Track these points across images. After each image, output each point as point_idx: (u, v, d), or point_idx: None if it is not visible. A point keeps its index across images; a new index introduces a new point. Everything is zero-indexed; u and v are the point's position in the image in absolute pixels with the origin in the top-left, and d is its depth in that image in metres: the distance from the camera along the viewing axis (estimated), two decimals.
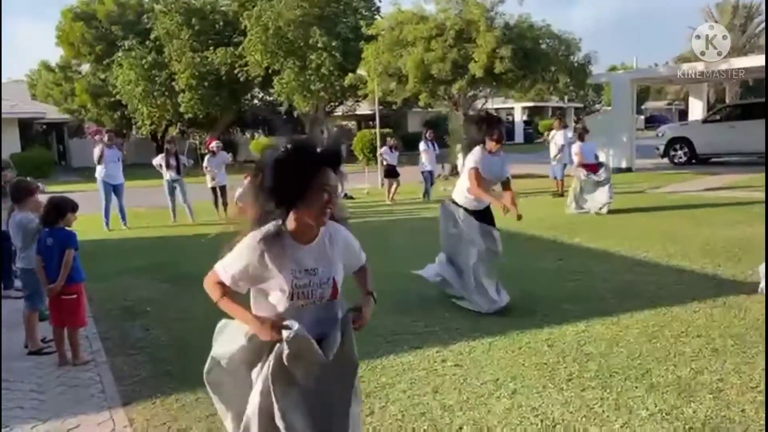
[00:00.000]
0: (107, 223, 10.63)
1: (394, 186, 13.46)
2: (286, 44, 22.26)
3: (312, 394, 2.22)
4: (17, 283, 5.85)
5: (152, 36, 26.04)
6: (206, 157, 12.21)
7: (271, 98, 28.43)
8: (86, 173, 16.24)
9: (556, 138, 13.33)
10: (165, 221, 11.29)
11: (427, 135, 14.00)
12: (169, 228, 10.79)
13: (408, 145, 23.07)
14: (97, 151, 10.64)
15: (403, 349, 4.29)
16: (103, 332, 5.04)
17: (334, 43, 21.73)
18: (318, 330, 2.25)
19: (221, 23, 26.56)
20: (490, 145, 5.11)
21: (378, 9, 25.44)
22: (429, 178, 13.58)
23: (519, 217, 5.09)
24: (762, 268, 5.17)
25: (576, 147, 10.93)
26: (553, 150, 13.42)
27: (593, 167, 10.64)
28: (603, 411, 3.33)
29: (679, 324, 4.61)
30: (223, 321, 2.58)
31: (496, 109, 40.62)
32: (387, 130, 23.21)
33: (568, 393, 3.56)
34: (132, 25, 28.33)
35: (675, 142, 18.85)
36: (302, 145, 2.15)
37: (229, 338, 2.51)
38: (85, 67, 31.20)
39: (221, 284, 2.37)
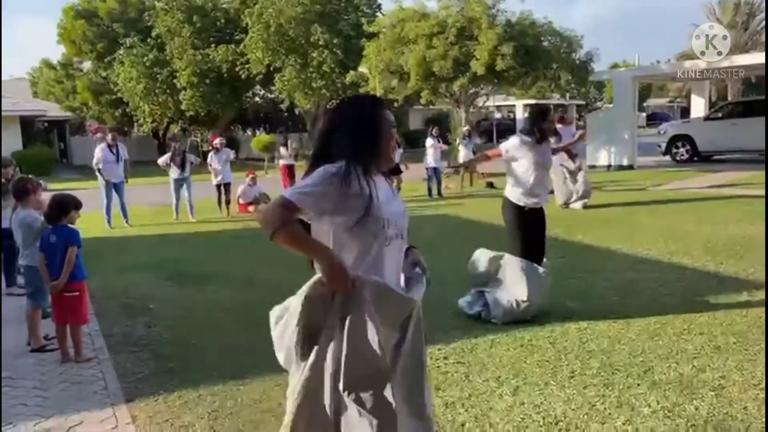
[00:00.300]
0: (109, 221, 10.65)
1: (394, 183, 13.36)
2: (287, 41, 22.25)
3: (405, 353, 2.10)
4: (20, 280, 5.87)
5: (153, 33, 26.04)
6: (210, 154, 12.24)
7: (273, 96, 28.42)
8: (87, 171, 16.26)
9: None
10: (167, 219, 11.30)
11: (433, 132, 13.99)
12: (171, 225, 10.80)
13: (410, 143, 23.06)
14: (98, 152, 10.66)
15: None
16: (105, 329, 5.05)
17: (335, 41, 21.71)
18: (397, 277, 2.20)
19: (222, 21, 26.58)
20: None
21: (379, 6, 25.44)
22: (434, 175, 13.47)
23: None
24: None
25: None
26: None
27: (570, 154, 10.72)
28: (605, 408, 3.33)
29: (681, 321, 4.61)
30: (280, 306, 2.19)
31: (497, 107, 40.68)
32: None
33: (570, 390, 3.56)
34: (133, 22, 28.33)
35: (677, 140, 18.82)
36: (363, 95, 2.24)
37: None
38: (87, 65, 31.21)
39: (286, 209, 1.99)
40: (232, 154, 12.40)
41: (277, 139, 14.53)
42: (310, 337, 2.07)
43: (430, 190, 13.54)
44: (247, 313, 5.30)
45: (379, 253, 2.10)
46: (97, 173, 10.70)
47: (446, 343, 4.35)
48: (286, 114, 31.20)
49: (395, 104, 25.01)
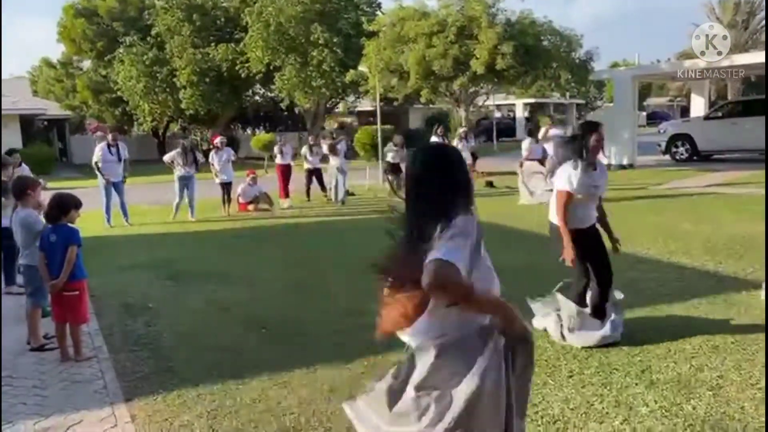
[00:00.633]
0: (108, 220, 10.65)
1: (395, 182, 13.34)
2: (287, 40, 22.25)
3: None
4: (19, 279, 5.87)
5: (153, 32, 26.04)
6: (211, 153, 12.23)
7: (272, 94, 28.44)
8: (87, 169, 16.25)
9: (550, 134, 13.39)
10: (166, 218, 11.30)
11: (439, 131, 13.96)
12: (171, 224, 10.79)
13: (409, 142, 23.05)
14: (97, 151, 10.65)
15: (403, 346, 4.29)
16: (105, 328, 5.06)
17: (335, 40, 21.72)
18: None
19: (222, 19, 26.58)
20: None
21: (379, 5, 25.47)
22: None
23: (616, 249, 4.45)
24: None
25: (527, 143, 12.06)
26: (549, 149, 13.47)
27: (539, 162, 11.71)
28: (603, 408, 3.34)
29: (679, 321, 4.62)
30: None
31: (497, 106, 40.66)
32: (388, 126, 23.20)
33: (569, 390, 3.57)
34: (133, 21, 28.34)
35: (676, 139, 18.81)
36: (441, 144, 2.22)
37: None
38: (87, 64, 31.23)
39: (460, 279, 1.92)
40: (233, 155, 12.35)
41: (277, 139, 14.39)
42: None
43: None
44: (247, 313, 5.31)
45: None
46: (97, 172, 10.70)
47: None
48: (285, 113, 31.20)
49: (395, 103, 25.09)
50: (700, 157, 18.28)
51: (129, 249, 8.70)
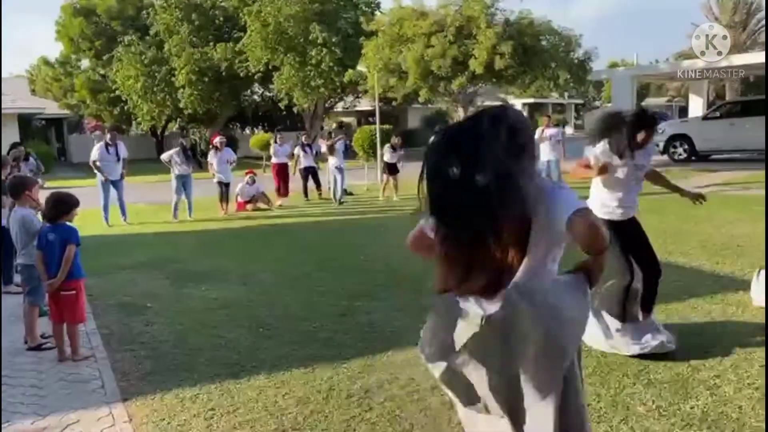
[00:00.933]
0: (106, 218, 10.63)
1: (391, 181, 12.94)
2: (285, 40, 22.24)
3: None
4: (17, 278, 5.86)
5: (152, 31, 26.04)
6: (210, 153, 12.20)
7: (271, 94, 28.43)
8: (85, 168, 16.25)
9: (546, 134, 13.33)
10: (165, 217, 11.28)
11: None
12: (169, 224, 10.79)
13: (408, 142, 23.05)
14: (95, 150, 10.64)
15: (402, 345, 4.29)
16: (102, 328, 5.04)
17: (334, 39, 21.71)
18: None
19: (221, 19, 26.55)
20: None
21: (378, 5, 25.45)
22: None
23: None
24: (755, 278, 5.02)
25: None
26: (546, 149, 13.42)
27: None
28: (601, 407, 3.34)
29: (677, 320, 4.62)
30: None
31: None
32: (387, 126, 23.18)
33: None
34: (132, 20, 28.33)
35: (675, 139, 18.81)
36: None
37: None
38: (85, 63, 31.21)
39: None
40: (234, 159, 12.16)
41: (276, 135, 14.33)
42: None
43: None
44: (245, 312, 5.31)
45: None
46: (95, 170, 10.69)
47: None
48: (284, 112, 31.18)
49: (394, 103, 25.09)
50: (698, 158, 18.28)
51: (127, 248, 8.69)
